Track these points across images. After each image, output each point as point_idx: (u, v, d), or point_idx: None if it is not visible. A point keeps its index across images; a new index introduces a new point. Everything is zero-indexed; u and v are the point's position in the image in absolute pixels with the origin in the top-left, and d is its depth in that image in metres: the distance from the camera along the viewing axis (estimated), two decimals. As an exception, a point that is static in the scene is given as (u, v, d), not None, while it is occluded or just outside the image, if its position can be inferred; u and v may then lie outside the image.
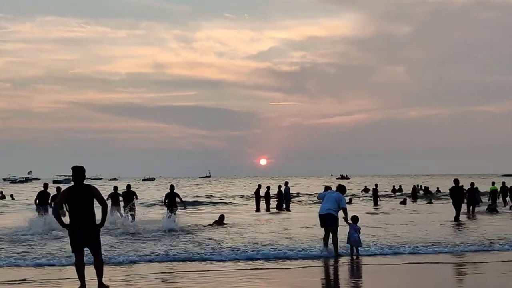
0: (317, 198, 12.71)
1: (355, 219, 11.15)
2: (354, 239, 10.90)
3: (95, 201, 7.41)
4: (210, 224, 17.55)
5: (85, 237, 7.25)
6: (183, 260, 10.50)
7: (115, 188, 20.39)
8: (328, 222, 10.88)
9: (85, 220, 7.26)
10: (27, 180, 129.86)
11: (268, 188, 27.65)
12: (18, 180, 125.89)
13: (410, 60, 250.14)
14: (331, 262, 10.32)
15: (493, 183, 28.34)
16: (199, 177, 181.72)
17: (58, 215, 7.42)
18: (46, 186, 18.97)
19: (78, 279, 7.34)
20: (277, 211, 25.73)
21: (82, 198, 7.31)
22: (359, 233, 11.03)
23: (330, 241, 10.92)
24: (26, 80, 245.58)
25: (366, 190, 45.75)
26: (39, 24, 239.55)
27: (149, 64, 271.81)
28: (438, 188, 44.11)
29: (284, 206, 27.00)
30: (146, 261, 10.38)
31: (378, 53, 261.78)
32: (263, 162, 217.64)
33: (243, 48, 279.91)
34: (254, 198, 28.15)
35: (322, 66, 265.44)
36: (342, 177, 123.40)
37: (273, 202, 27.57)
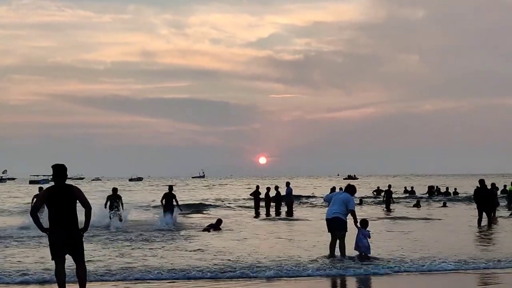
0: (324, 200, 12.65)
1: (364, 223, 11.19)
2: (363, 245, 10.96)
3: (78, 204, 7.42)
4: (207, 229, 17.60)
5: (66, 242, 7.22)
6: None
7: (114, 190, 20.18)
8: (335, 226, 10.90)
9: (66, 223, 7.22)
10: (1, 180, 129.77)
11: (268, 189, 27.54)
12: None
13: (425, 47, 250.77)
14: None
15: None
16: (192, 177, 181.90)
17: (36, 219, 7.38)
18: (41, 189, 19.00)
19: None
20: (277, 217, 25.34)
21: (63, 199, 7.28)
22: (369, 238, 11.07)
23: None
24: (1, 69, 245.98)
25: (378, 191, 45.08)
26: (15, 7, 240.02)
27: (137, 52, 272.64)
28: (455, 189, 44.39)
29: (282, 210, 27.09)
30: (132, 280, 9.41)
31: (390, 40, 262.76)
32: (262, 160, 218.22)
33: (241, 35, 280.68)
34: (253, 201, 28.13)
35: (327, 54, 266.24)
36: (350, 177, 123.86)
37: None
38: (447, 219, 22.70)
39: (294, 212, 27.23)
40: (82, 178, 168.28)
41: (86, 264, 7.59)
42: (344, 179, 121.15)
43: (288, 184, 28.06)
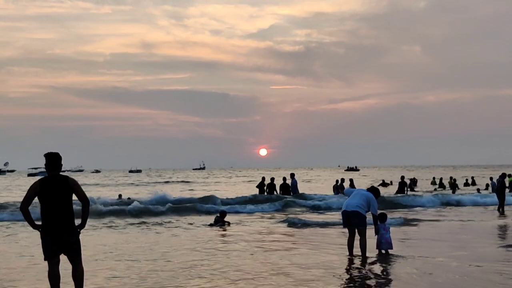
0: (343, 193, 11.61)
1: (383, 217, 10.52)
2: (386, 241, 10.25)
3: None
4: (211, 224, 17.01)
5: (60, 242, 6.46)
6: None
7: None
8: (355, 220, 10.06)
9: (61, 220, 6.45)
10: (0, 172, 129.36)
11: (272, 179, 26.85)
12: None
13: (428, 38, 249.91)
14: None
15: (510, 175, 29.35)
16: (193, 169, 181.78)
17: (27, 213, 6.57)
18: None
19: None
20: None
21: (57, 193, 6.49)
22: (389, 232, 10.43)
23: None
24: (0, 61, 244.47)
25: (384, 184, 44.17)
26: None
27: (137, 44, 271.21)
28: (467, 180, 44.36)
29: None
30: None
31: (392, 31, 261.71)
32: (263, 152, 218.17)
33: (241, 26, 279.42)
34: (258, 193, 27.55)
35: (329, 45, 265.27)
36: (351, 169, 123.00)
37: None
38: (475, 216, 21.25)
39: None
40: (82, 170, 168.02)
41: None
42: (345, 170, 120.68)
43: (292, 175, 27.39)
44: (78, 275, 6.63)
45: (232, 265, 9.59)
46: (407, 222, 16.91)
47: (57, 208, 6.45)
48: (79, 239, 6.66)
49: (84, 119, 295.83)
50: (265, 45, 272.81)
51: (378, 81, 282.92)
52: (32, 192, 6.55)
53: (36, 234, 6.90)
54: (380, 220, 10.43)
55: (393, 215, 18.69)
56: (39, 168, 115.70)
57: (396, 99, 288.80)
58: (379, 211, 10.48)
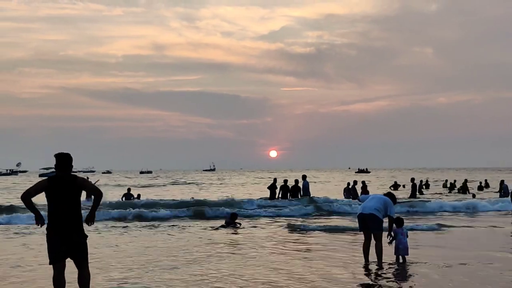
0: (358, 201, 10.89)
1: (400, 221, 10.20)
2: (403, 246, 9.90)
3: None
4: (222, 226, 16.79)
5: (70, 242, 6.20)
6: None
7: None
8: (372, 224, 9.72)
9: (68, 222, 6.20)
10: (12, 172, 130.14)
11: (285, 181, 26.52)
12: (2, 172, 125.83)
13: (439, 40, 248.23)
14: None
15: None
16: (203, 170, 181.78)
17: (30, 203, 6.26)
18: None
19: None
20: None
21: (66, 192, 6.23)
22: (407, 237, 10.10)
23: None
24: (12, 62, 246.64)
25: (395, 186, 43.09)
26: (27, 0, 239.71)
27: (148, 46, 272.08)
28: (481, 182, 43.56)
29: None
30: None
31: (403, 33, 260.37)
32: (273, 154, 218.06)
33: (253, 28, 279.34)
34: (269, 194, 27.27)
35: (340, 47, 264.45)
36: (362, 171, 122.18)
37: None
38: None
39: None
40: (93, 171, 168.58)
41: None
42: (355, 172, 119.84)
43: (304, 177, 27.06)
44: (84, 280, 6.40)
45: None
46: (439, 228, 16.19)
47: (66, 208, 6.24)
48: (86, 242, 6.43)
49: (96, 120, 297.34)
50: (276, 47, 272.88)
51: (390, 83, 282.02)
52: (39, 186, 6.32)
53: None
54: (396, 225, 10.10)
55: (425, 221, 18.21)
56: (51, 168, 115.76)
57: (408, 101, 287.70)
58: (396, 214, 10.21)
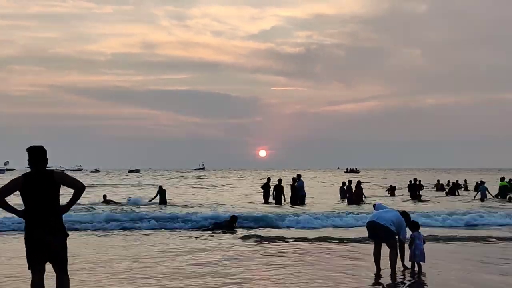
0: (373, 206, 9.83)
1: (415, 225, 9.39)
2: (420, 252, 9.08)
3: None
4: (215, 224, 16.00)
5: (47, 244, 5.64)
6: None
7: None
8: (383, 234, 8.85)
9: (47, 222, 5.65)
10: (0, 171, 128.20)
11: (280, 181, 25.80)
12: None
13: (428, 41, 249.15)
14: None
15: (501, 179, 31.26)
16: (192, 169, 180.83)
17: (4, 203, 5.66)
18: None
19: None
20: (291, 205, 24.16)
21: (44, 188, 5.66)
22: (424, 243, 9.30)
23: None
24: (1, 60, 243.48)
25: (392, 189, 36.97)
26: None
27: (138, 44, 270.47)
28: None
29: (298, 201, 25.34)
30: None
31: (392, 34, 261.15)
32: (262, 153, 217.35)
33: (243, 27, 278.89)
34: (263, 194, 26.54)
35: (329, 47, 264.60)
36: (351, 171, 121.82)
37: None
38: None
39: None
40: (80, 170, 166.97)
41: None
42: (345, 172, 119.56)
43: (299, 176, 26.40)
44: (62, 285, 5.80)
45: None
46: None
47: (43, 208, 5.64)
48: (66, 245, 5.82)
49: (85, 118, 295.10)
50: (266, 46, 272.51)
51: (378, 84, 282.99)
52: (12, 185, 5.71)
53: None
54: (411, 228, 9.30)
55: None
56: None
57: (396, 102, 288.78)
58: (412, 220, 9.44)
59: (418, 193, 29.53)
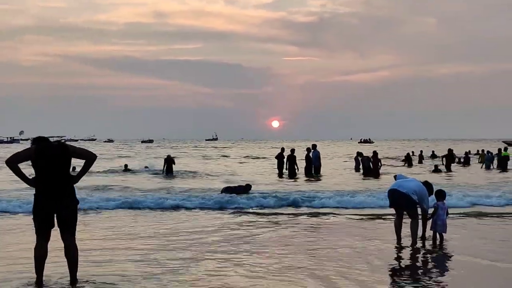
0: (394, 177, 9.47)
1: (441, 194, 9.06)
2: (442, 222, 8.79)
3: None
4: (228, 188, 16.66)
5: (59, 205, 5.76)
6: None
7: None
8: (406, 203, 8.58)
9: (57, 189, 5.77)
10: (13, 140, 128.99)
11: (293, 151, 25.28)
12: (4, 140, 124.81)
13: (443, 10, 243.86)
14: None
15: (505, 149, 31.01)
16: (206, 140, 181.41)
17: (16, 168, 5.71)
18: None
19: (34, 271, 5.90)
20: (306, 178, 23.73)
21: (55, 159, 5.77)
22: (448, 214, 9.02)
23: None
24: (12, 30, 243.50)
25: (408, 159, 34.92)
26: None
27: (150, 13, 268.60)
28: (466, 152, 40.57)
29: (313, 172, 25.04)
30: None
31: (407, 2, 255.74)
32: (275, 124, 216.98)
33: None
34: (277, 164, 26.22)
35: (343, 16, 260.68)
36: (365, 141, 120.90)
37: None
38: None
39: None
40: (94, 139, 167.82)
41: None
42: (358, 142, 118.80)
43: (314, 146, 26.00)
44: (71, 253, 5.88)
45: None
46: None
47: (54, 176, 5.76)
48: (76, 212, 5.94)
49: (97, 88, 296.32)
50: (278, 15, 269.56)
51: (392, 53, 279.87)
52: (27, 152, 5.85)
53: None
54: (437, 197, 9.02)
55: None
56: (53, 137, 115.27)
57: (410, 71, 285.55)
58: (437, 189, 9.16)
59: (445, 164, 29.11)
